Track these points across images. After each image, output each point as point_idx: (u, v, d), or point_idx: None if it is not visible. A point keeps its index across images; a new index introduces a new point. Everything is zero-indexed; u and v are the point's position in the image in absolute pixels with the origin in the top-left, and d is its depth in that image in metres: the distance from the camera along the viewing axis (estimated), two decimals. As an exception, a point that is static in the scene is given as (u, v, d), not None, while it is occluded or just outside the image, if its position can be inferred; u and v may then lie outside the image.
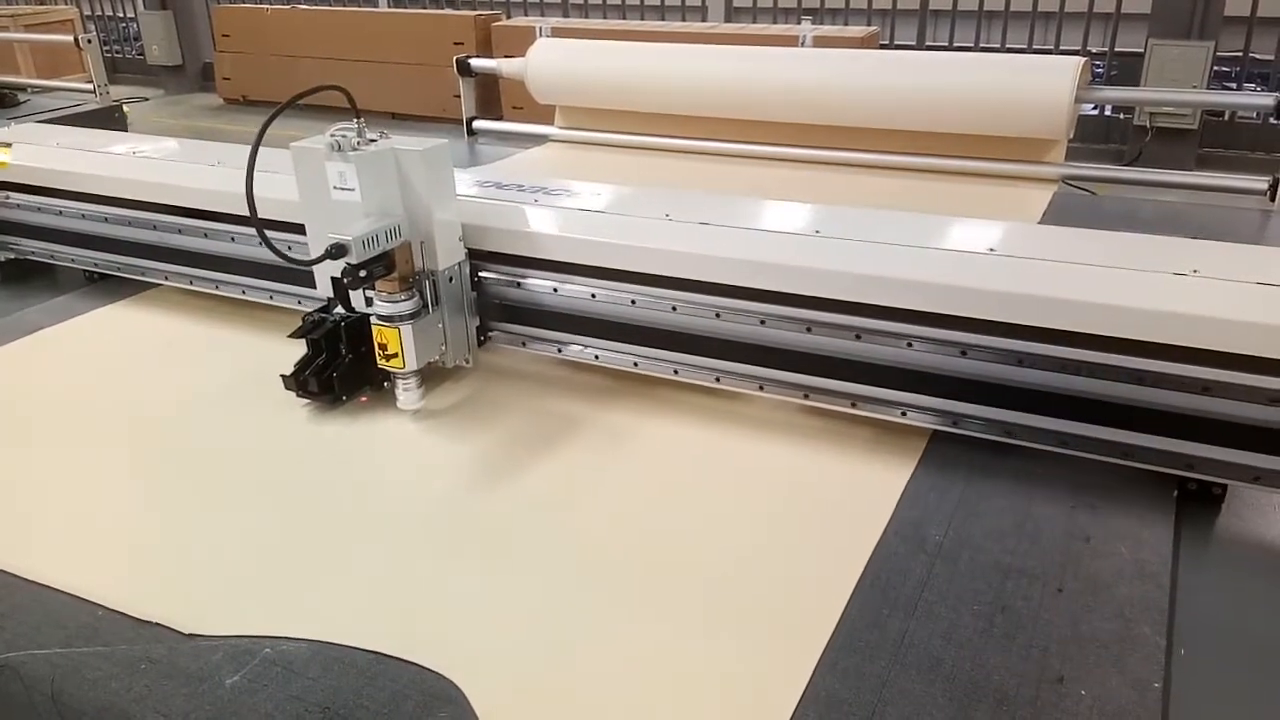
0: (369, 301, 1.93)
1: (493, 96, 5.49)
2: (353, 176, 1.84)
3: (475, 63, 3.80)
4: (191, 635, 1.41)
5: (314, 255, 1.96)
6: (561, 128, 3.66)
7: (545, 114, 3.75)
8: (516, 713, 1.30)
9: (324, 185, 1.89)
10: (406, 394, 1.98)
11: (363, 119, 1.87)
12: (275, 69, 6.97)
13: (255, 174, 1.73)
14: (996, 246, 1.81)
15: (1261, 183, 2.80)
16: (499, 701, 1.30)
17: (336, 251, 1.75)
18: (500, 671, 1.36)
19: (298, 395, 2.01)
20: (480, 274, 2.06)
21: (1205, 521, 1.66)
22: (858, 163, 3.18)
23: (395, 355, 1.91)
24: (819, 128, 3.20)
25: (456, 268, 2.00)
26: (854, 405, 1.85)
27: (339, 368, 1.99)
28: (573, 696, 1.33)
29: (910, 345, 1.76)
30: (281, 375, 2.00)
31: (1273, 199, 2.77)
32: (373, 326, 1.92)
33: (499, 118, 4.53)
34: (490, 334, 2.13)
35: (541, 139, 3.68)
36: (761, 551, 1.60)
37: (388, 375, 2.03)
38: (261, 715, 1.27)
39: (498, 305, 2.09)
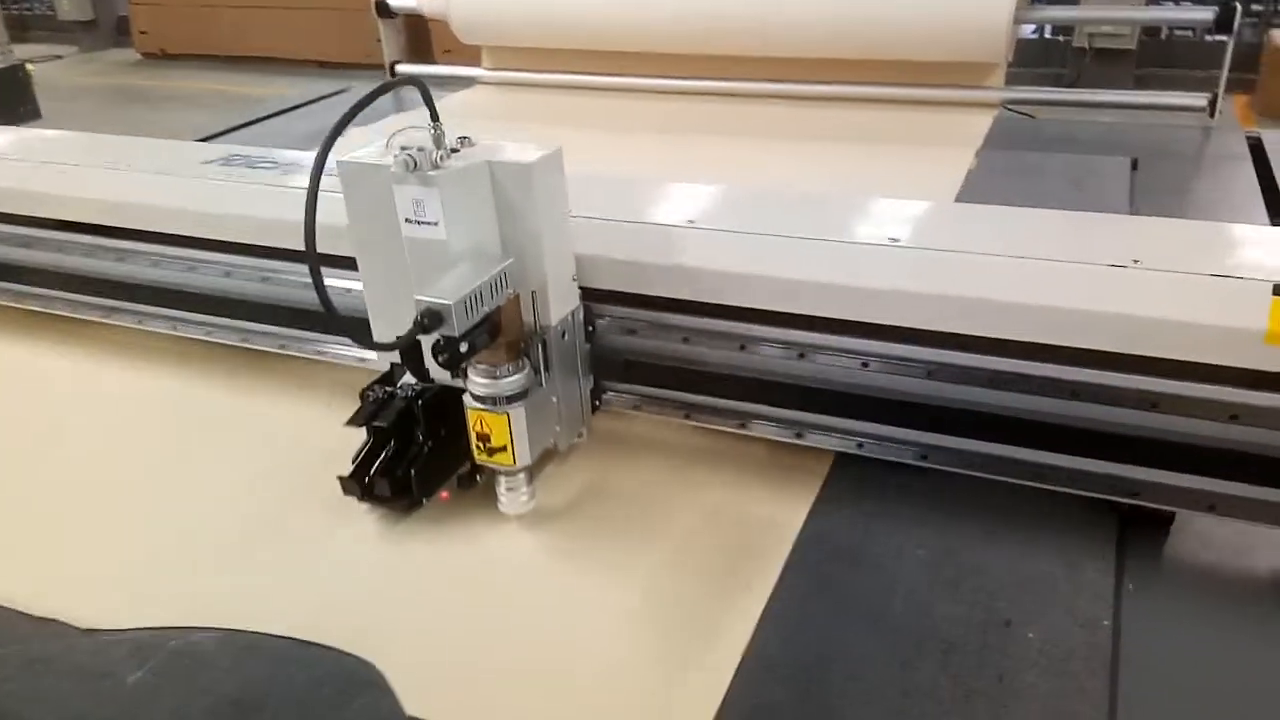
0: (459, 374, 1.39)
1: (423, 41, 5.19)
2: (435, 205, 1.29)
3: (394, 2, 3.49)
4: (90, 630, 1.30)
5: (375, 312, 1.43)
6: (489, 69, 3.47)
7: (477, 57, 3.52)
8: (439, 695, 1.20)
9: (386, 215, 1.34)
10: (512, 494, 1.46)
11: (440, 123, 1.32)
12: (194, 20, 6.56)
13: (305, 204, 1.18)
14: (901, 235, 1.50)
15: (1201, 99, 2.78)
16: (421, 683, 1.20)
17: (429, 321, 1.22)
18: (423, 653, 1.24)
19: (361, 500, 1.47)
20: (597, 321, 1.53)
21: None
22: (793, 95, 3.12)
23: (503, 449, 1.39)
24: (751, 60, 3.09)
25: (570, 317, 1.47)
26: (743, 425, 1.55)
27: (417, 461, 1.46)
28: (499, 680, 1.23)
29: (803, 356, 1.46)
30: (340, 477, 1.46)
31: (1212, 115, 2.78)
32: (468, 411, 1.39)
33: (430, 63, 4.10)
34: (604, 396, 1.61)
35: (469, 81, 3.48)
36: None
37: (477, 467, 1.51)
38: (168, 712, 1.19)
39: (615, 360, 1.57)
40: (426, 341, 1.27)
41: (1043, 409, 1.37)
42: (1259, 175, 2.35)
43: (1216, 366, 1.28)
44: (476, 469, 1.53)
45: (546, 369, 1.42)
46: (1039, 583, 1.32)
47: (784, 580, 1.34)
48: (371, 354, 1.62)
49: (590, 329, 1.53)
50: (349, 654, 1.24)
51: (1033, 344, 1.35)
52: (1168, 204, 2.32)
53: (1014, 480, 1.42)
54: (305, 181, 1.22)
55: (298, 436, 1.72)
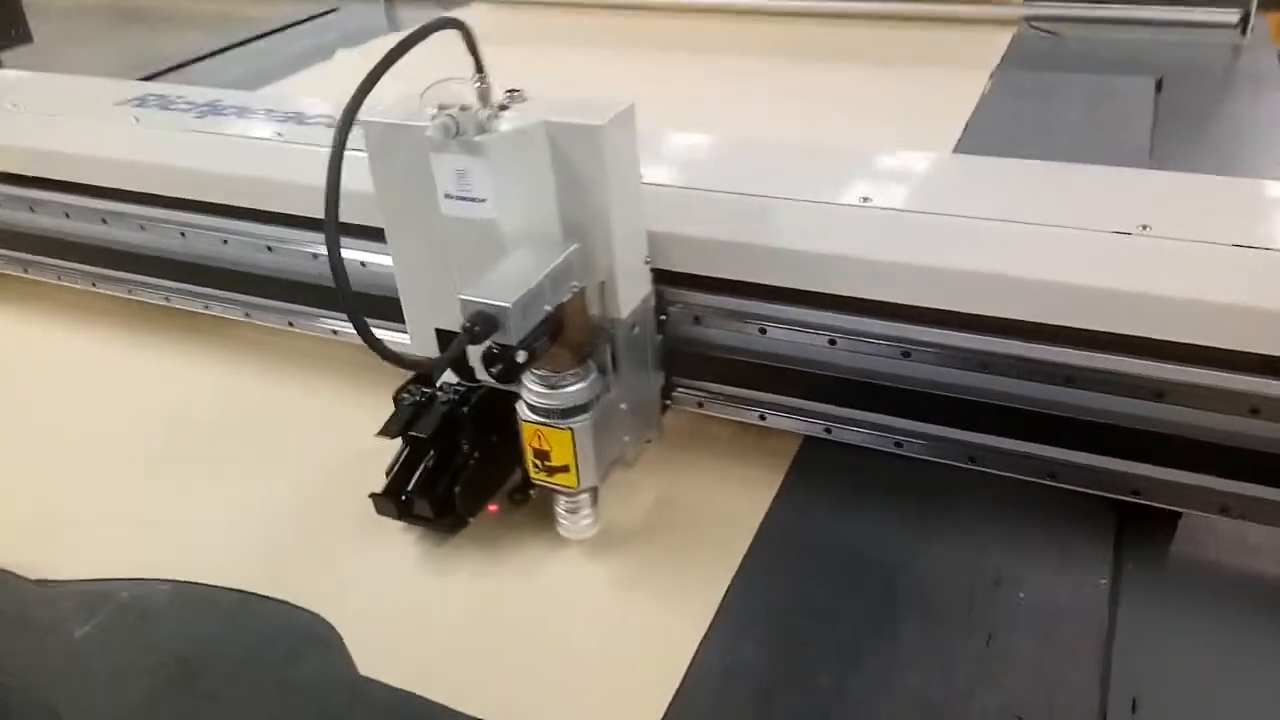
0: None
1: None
2: (484, 178, 1.04)
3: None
4: (40, 581, 1.26)
5: (409, 298, 1.20)
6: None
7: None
8: (392, 653, 1.12)
9: (421, 186, 1.10)
10: (573, 517, 1.24)
11: (485, 74, 1.06)
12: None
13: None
14: (874, 194, 1.29)
15: (1233, 15, 2.62)
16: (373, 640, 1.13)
17: (480, 327, 0.98)
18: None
19: (398, 519, 1.26)
20: (669, 310, 1.29)
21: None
22: (806, 11, 3.01)
23: (565, 469, 1.16)
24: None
25: (641, 307, 1.23)
26: (700, 405, 1.37)
27: (462, 475, 1.23)
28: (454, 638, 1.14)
29: (764, 332, 1.26)
30: (373, 495, 1.24)
31: (1244, 32, 2.62)
32: (523, 425, 1.16)
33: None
34: (674, 394, 1.38)
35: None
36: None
37: (530, 479, 1.29)
38: (112, 670, 1.14)
39: (687, 353, 1.33)
40: (475, 350, 1.03)
41: (1035, 396, 1.18)
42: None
43: (1234, 352, 1.07)
44: (529, 482, 1.32)
45: (614, 370, 1.19)
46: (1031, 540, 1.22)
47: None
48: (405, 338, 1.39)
49: (662, 318, 1.29)
50: (302, 609, 1.19)
51: (1022, 323, 1.15)
52: (1191, 131, 2.18)
53: (1001, 473, 1.25)
54: (224, 126, 0.98)
55: (321, 435, 1.50)
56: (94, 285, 1.81)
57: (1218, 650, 1.09)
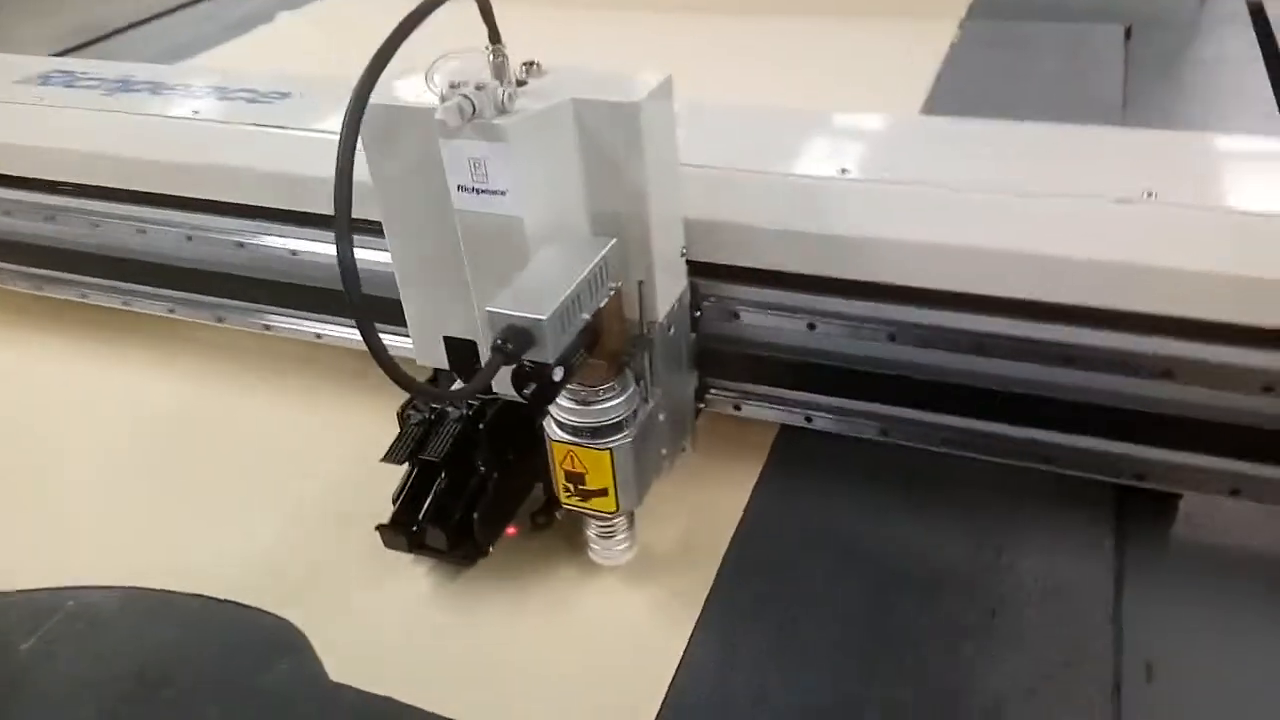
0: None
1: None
2: (505, 167, 0.90)
3: None
4: None
5: (413, 306, 1.06)
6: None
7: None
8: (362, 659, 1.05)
9: (427, 178, 0.95)
10: (607, 541, 1.11)
11: (502, 45, 0.91)
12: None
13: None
14: (853, 165, 1.16)
15: None
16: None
17: (513, 344, 0.84)
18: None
19: (409, 552, 1.12)
20: (704, 305, 1.16)
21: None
22: None
23: (603, 493, 1.03)
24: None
25: (677, 305, 1.09)
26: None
27: (481, 499, 1.10)
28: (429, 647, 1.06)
29: (737, 317, 1.16)
30: (380, 528, 1.10)
31: None
32: (552, 445, 1.02)
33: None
34: (707, 397, 1.25)
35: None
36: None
37: (554, 498, 1.16)
38: (62, 686, 1.06)
39: (723, 352, 1.19)
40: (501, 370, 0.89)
41: (1031, 378, 1.09)
42: (1261, 45, 2.12)
43: (1249, 327, 0.99)
44: (554, 502, 1.18)
45: (650, 375, 1.05)
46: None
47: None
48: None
49: (696, 314, 1.15)
50: (268, 613, 1.11)
51: (1025, 301, 1.05)
52: (1163, 80, 2.11)
53: (999, 460, 1.16)
54: (135, 104, 0.84)
55: (315, 450, 1.36)
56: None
57: (1225, 616, 1.05)
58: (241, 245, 1.41)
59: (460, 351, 1.10)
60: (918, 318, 1.10)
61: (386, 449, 1.09)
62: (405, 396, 1.13)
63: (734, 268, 1.13)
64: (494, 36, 0.90)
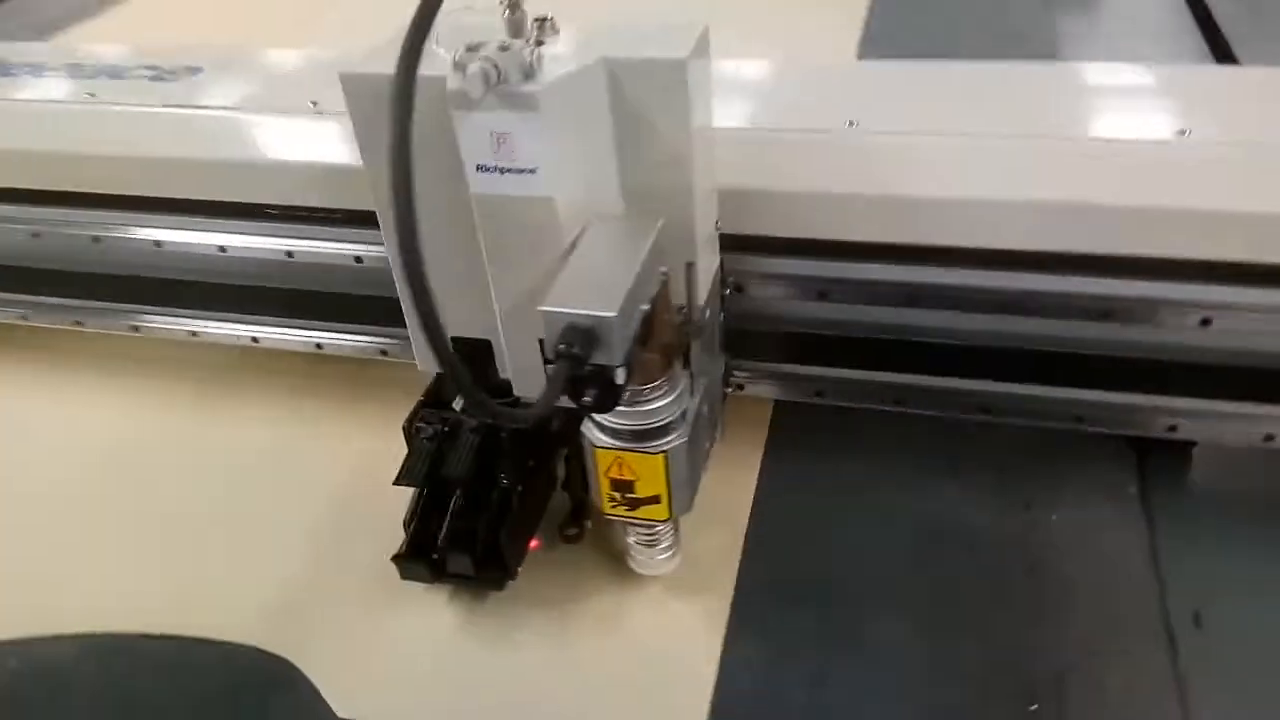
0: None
1: None
2: (534, 141, 0.77)
3: None
4: None
5: (411, 318, 0.92)
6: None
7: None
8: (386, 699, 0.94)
9: (437, 158, 0.82)
10: (650, 550, 1.01)
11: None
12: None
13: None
14: (860, 116, 1.05)
15: None
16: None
17: (579, 347, 0.72)
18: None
19: (431, 582, 1.00)
20: (736, 284, 1.05)
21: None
22: None
23: (655, 499, 0.92)
24: None
25: (713, 286, 0.99)
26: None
27: (507, 517, 0.98)
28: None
29: (741, 291, 1.06)
30: (396, 559, 0.98)
31: None
32: (595, 452, 0.91)
33: None
34: (734, 379, 1.15)
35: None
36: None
37: (581, 506, 1.06)
38: None
39: (753, 333, 1.09)
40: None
41: (1063, 335, 1.01)
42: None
43: None
44: (581, 510, 1.08)
45: (694, 368, 0.95)
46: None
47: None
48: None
49: (726, 293, 1.05)
50: (253, 648, 0.97)
51: (1060, 254, 0.97)
52: (1084, 15, 2.09)
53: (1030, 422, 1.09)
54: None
55: (300, 471, 1.21)
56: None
57: (1258, 558, 1.02)
58: (158, 245, 1.23)
59: (472, 354, 0.97)
60: (942, 278, 1.02)
61: (399, 469, 0.96)
62: (395, 408, 1.01)
63: (754, 238, 1.03)
64: (511, -13, 0.77)
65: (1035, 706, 0.90)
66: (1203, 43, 1.92)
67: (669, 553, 1.01)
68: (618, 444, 0.89)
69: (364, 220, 1.05)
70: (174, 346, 1.35)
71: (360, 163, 0.88)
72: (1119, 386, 1.03)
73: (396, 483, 0.96)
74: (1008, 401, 1.07)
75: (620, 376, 0.76)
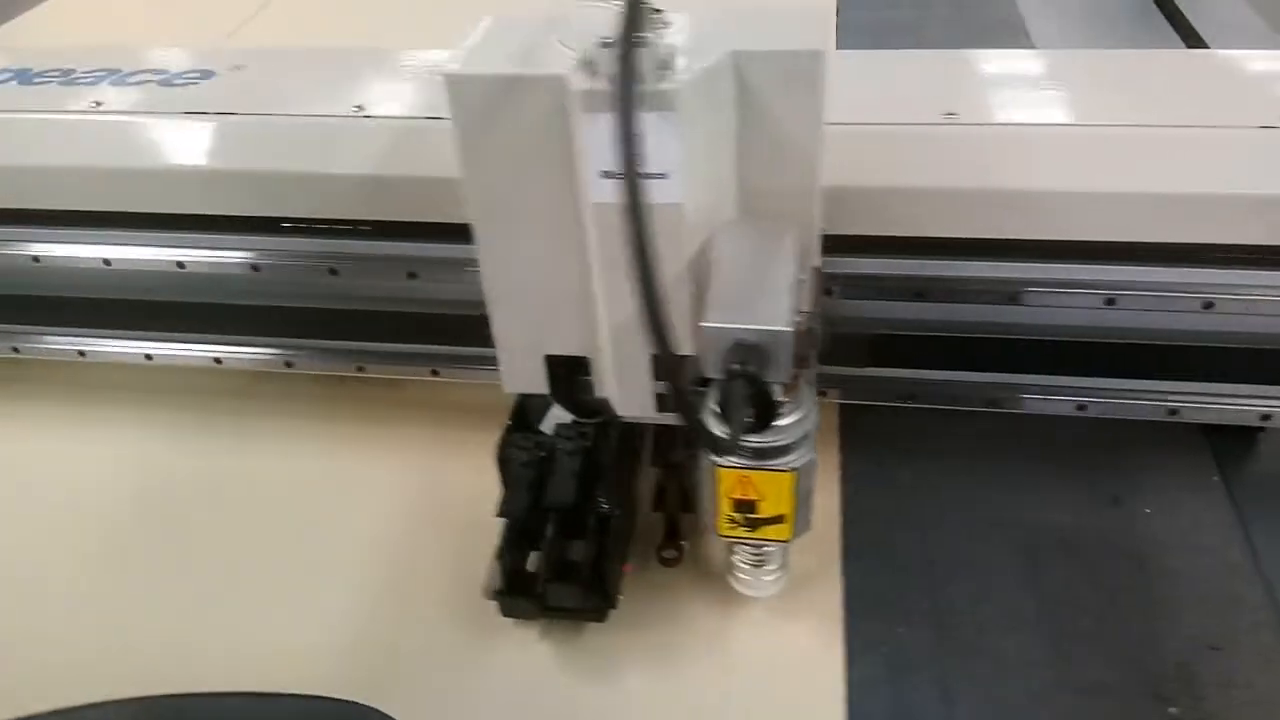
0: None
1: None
2: (668, 143, 0.72)
3: None
4: None
5: (510, 330, 0.88)
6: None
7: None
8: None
9: (549, 166, 0.76)
10: (758, 570, 0.96)
11: (648, -13, 0.72)
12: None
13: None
14: (959, 108, 1.02)
15: None
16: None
17: (754, 364, 0.67)
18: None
19: (538, 618, 0.94)
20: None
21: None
22: None
23: (778, 520, 0.87)
24: None
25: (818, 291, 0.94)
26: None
27: (609, 542, 0.92)
28: None
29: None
30: (497, 593, 0.91)
31: None
32: (716, 472, 0.85)
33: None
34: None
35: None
36: None
37: (674, 525, 1.01)
38: None
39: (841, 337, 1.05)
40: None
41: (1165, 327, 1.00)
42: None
43: None
44: (676, 531, 1.02)
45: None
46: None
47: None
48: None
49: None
50: (335, 699, 0.82)
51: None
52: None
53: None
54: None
55: (338, 505, 1.13)
56: None
57: None
58: (36, 260, 1.14)
59: (563, 372, 0.91)
60: (1045, 274, 0.99)
61: (501, 500, 0.90)
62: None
63: (847, 237, 0.99)
64: (636, -22, 0.71)
65: (1175, 710, 0.88)
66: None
67: (777, 574, 0.96)
68: (743, 463, 0.84)
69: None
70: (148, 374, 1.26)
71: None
72: (1215, 377, 1.02)
73: (500, 514, 0.89)
74: (1105, 395, 1.05)
75: (779, 394, 0.71)
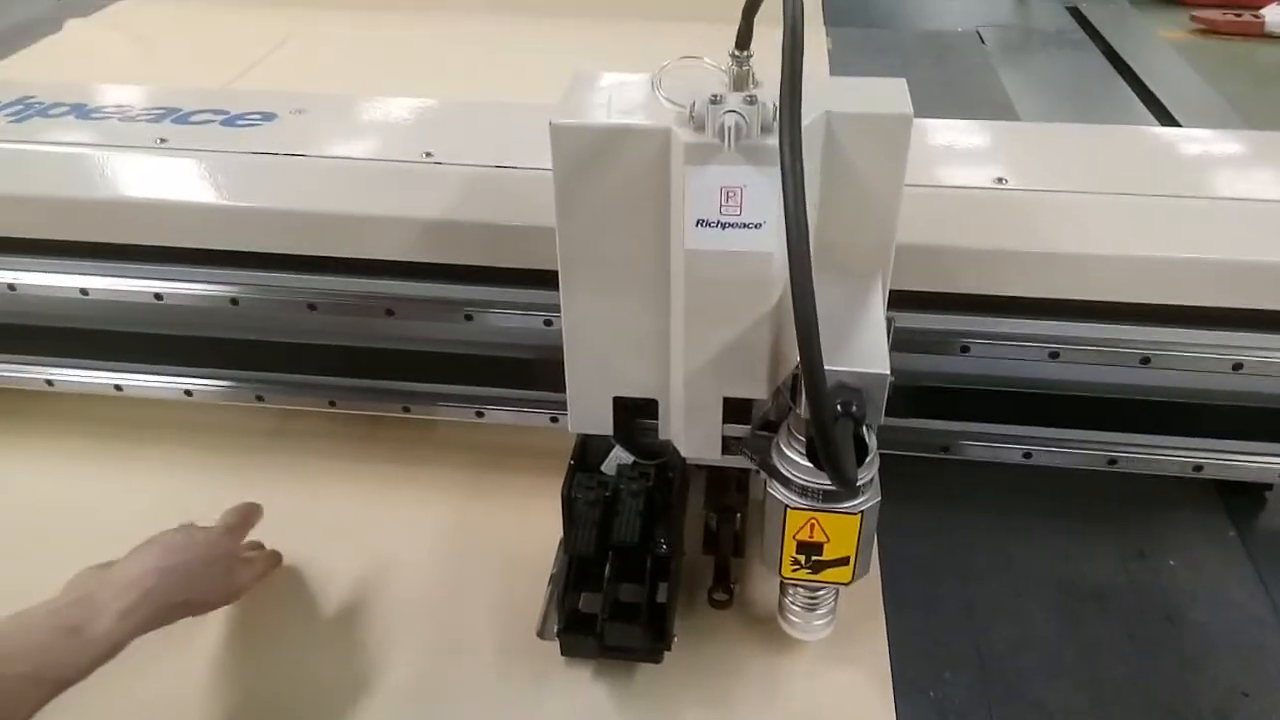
0: (751, 451, 0.88)
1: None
2: (766, 195, 0.75)
3: None
4: None
5: (583, 371, 0.90)
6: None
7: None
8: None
9: (643, 213, 0.79)
10: (811, 613, 0.98)
11: (750, 52, 0.77)
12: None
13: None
14: (1008, 174, 1.09)
15: None
16: None
17: (856, 407, 0.70)
18: None
19: (598, 658, 0.94)
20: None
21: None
22: None
23: (843, 562, 0.89)
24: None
25: (876, 341, 0.98)
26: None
27: (666, 583, 0.94)
28: None
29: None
30: (560, 633, 0.92)
31: None
32: (789, 514, 0.87)
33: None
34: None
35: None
36: None
37: (726, 568, 1.03)
38: None
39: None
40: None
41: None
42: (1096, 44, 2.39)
43: None
44: (727, 573, 1.04)
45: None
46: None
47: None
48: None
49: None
50: None
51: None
52: (1032, 82, 2.27)
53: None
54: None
55: (375, 535, 1.13)
56: None
57: None
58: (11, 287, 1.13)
59: (628, 414, 0.93)
60: (1084, 333, 1.04)
61: (567, 538, 0.91)
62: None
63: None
64: (744, 40, 0.75)
65: (1215, 757, 0.91)
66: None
67: (828, 617, 0.98)
68: (813, 504, 0.86)
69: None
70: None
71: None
72: (1243, 435, 1.07)
73: (568, 552, 0.90)
74: (1135, 452, 1.09)
75: (869, 436, 0.74)
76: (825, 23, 2.47)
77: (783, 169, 0.62)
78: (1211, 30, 4.47)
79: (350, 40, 2.30)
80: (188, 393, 1.20)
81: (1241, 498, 1.18)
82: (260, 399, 1.18)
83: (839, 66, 2.20)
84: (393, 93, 1.29)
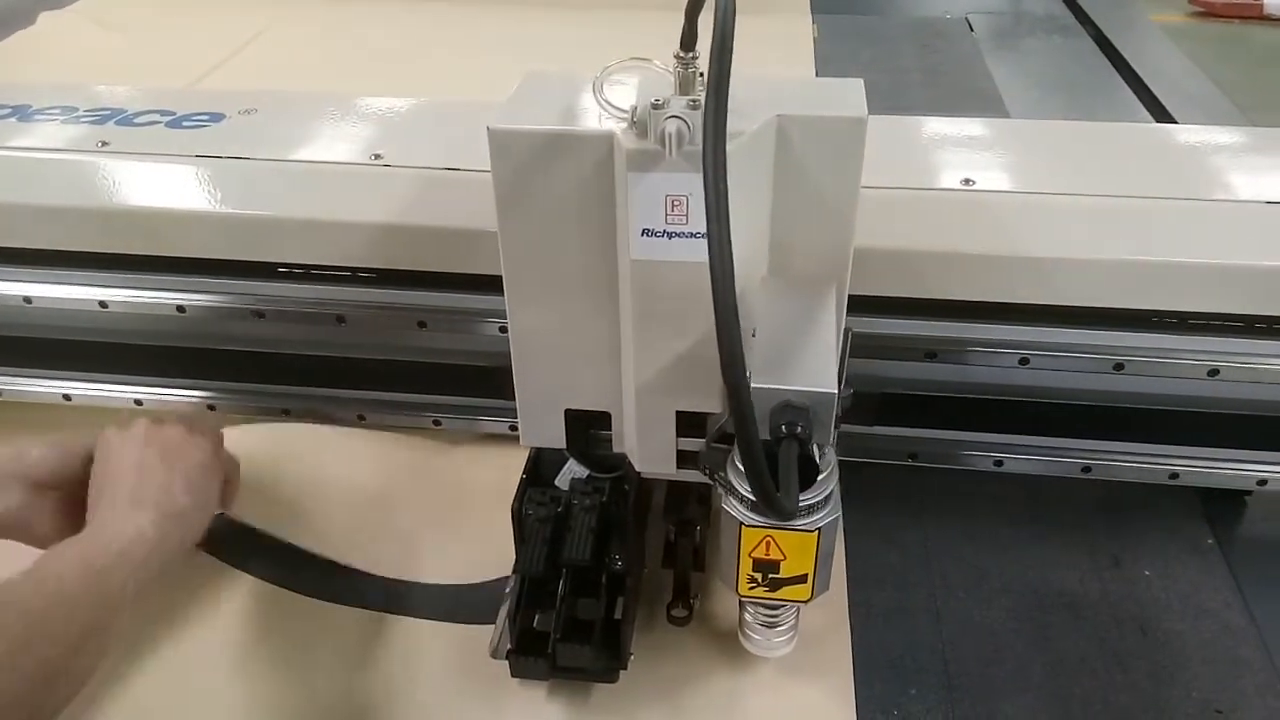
0: (709, 470, 0.85)
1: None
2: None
3: None
4: None
5: (533, 384, 0.87)
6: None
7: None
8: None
9: (588, 222, 0.76)
10: (770, 630, 0.95)
11: (695, 53, 0.73)
12: None
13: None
14: (976, 175, 1.07)
15: None
16: None
17: (801, 426, 0.67)
18: None
19: (548, 678, 0.91)
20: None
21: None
22: None
23: (800, 579, 0.86)
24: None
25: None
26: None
27: (621, 602, 0.91)
28: None
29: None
30: (509, 654, 0.89)
31: None
32: (741, 530, 0.84)
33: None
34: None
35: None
36: None
37: (685, 583, 1.00)
38: None
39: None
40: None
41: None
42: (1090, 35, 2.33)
43: None
44: (686, 589, 1.01)
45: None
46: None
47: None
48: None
49: (834, 354, 1.01)
50: None
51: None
52: (1019, 71, 2.20)
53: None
54: None
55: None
56: None
57: None
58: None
59: (582, 427, 0.90)
60: (1054, 338, 1.01)
61: (518, 556, 0.88)
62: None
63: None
64: (689, 41, 0.72)
65: (1188, 776, 0.89)
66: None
67: (789, 634, 0.95)
68: (768, 522, 0.83)
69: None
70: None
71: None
72: (1218, 442, 1.05)
73: (517, 572, 0.87)
74: (1109, 459, 1.06)
75: (818, 454, 0.71)
76: (812, 9, 2.43)
77: (705, 191, 0.59)
78: (1210, 13, 4.45)
79: (329, 31, 2.25)
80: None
81: (1220, 503, 1.15)
82: (212, 408, 1.14)
83: (824, 55, 2.16)
84: (371, 87, 1.25)
